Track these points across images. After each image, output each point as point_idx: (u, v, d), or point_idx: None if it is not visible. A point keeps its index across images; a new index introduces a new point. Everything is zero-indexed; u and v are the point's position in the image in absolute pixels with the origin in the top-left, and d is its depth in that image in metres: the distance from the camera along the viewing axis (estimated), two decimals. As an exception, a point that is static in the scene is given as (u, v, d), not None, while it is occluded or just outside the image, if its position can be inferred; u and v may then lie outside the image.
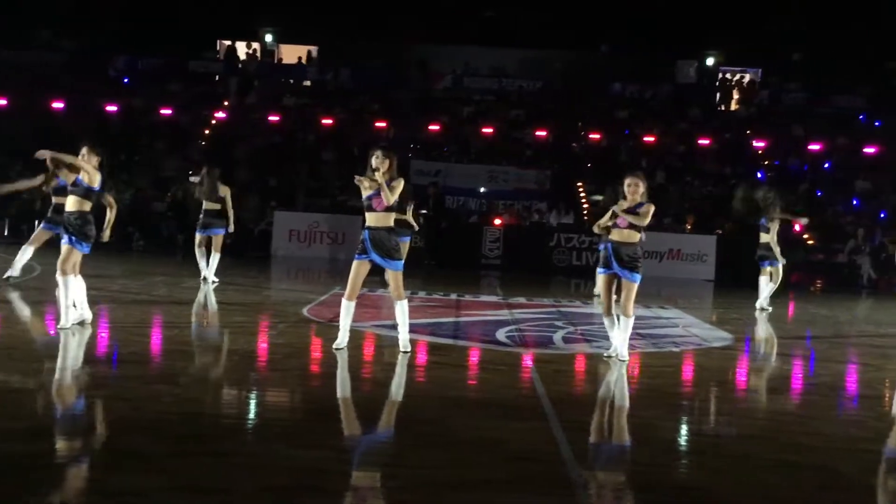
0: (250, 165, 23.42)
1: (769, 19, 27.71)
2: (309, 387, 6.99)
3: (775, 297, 13.54)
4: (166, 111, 25.65)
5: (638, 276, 8.10)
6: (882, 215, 23.08)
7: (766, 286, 13.39)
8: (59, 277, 8.25)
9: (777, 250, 13.26)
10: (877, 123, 27.25)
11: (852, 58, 27.75)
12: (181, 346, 8.45)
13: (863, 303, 17.21)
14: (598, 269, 8.74)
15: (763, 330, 11.94)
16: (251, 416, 5.95)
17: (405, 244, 13.94)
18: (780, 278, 13.42)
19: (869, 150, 25.81)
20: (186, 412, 5.70)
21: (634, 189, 8.13)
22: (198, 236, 13.40)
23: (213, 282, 13.21)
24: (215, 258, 13.30)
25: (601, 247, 8.58)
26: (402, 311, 8.01)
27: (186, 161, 22.35)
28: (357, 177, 7.92)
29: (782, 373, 8.97)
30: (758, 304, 13.39)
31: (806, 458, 5.42)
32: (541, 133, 25.94)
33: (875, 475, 5.30)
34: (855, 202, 24.18)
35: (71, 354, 7.60)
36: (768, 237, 13.26)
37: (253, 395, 6.45)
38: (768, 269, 13.41)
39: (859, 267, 20.76)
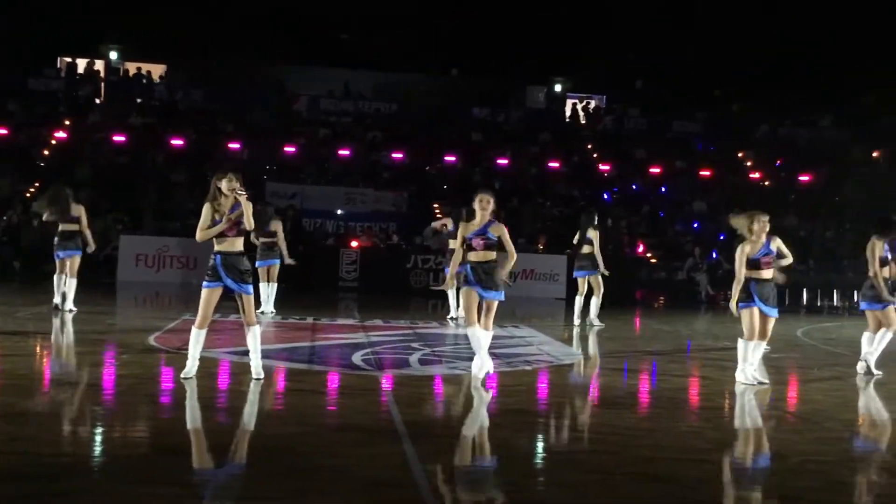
0: (94, 187, 22.37)
1: (613, 49, 29.06)
2: (156, 419, 6.71)
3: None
4: (2, 131, 24.20)
5: (501, 294, 8.32)
6: (720, 236, 24.50)
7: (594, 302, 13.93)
8: None
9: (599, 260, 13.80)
10: (711, 148, 29.03)
11: (689, 86, 29.50)
12: (17, 379, 7.93)
13: (701, 317, 18.16)
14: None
15: (609, 346, 12.40)
16: (95, 453, 5.66)
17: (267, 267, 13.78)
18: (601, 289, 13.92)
19: (704, 173, 27.47)
20: (23, 451, 5.36)
21: (486, 205, 8.30)
22: (58, 261, 12.68)
23: (71, 310, 12.56)
24: (72, 284, 12.63)
25: (459, 269, 8.56)
26: (254, 337, 7.86)
27: (18, 185, 21.11)
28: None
29: (629, 388, 9.34)
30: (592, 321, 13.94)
31: (653, 470, 5.65)
32: (397, 155, 26.11)
33: (714, 484, 5.59)
34: (694, 223, 25.59)
35: None
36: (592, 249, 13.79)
37: (96, 431, 6.13)
38: (587, 278, 13.89)
39: (698, 283, 21.95)
